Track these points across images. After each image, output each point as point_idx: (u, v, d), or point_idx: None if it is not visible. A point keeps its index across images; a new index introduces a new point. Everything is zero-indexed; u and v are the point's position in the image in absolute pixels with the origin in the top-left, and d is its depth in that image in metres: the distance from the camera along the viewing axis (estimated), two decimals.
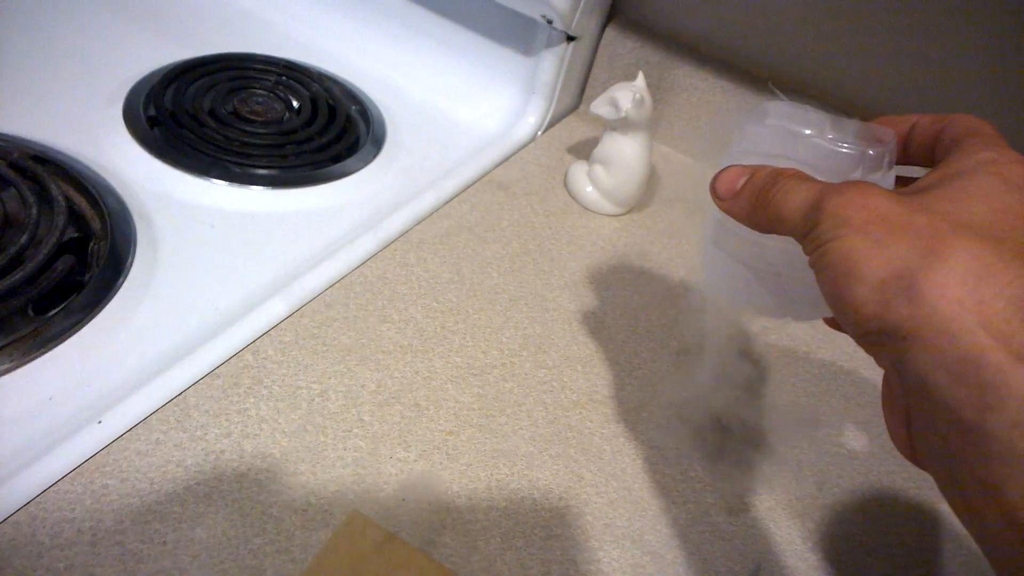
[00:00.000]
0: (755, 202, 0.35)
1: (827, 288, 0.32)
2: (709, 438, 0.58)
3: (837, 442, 0.61)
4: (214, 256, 0.62)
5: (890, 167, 0.37)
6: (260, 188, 0.70)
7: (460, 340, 0.61)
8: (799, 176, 0.34)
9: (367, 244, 0.66)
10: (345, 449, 0.51)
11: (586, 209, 0.80)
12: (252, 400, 0.52)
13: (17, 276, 0.53)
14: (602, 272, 0.72)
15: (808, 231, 0.32)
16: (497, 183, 0.79)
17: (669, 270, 0.75)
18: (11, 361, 0.50)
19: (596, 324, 0.66)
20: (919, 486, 0.59)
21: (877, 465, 0.60)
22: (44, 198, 0.60)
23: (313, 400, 0.53)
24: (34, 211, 0.59)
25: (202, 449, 0.48)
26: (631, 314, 0.68)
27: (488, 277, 0.67)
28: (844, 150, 0.36)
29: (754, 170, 0.36)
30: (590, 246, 0.75)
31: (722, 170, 0.37)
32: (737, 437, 0.59)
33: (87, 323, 0.54)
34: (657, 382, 0.62)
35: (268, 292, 0.59)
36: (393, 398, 0.55)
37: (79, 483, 0.45)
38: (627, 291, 0.71)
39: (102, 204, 0.63)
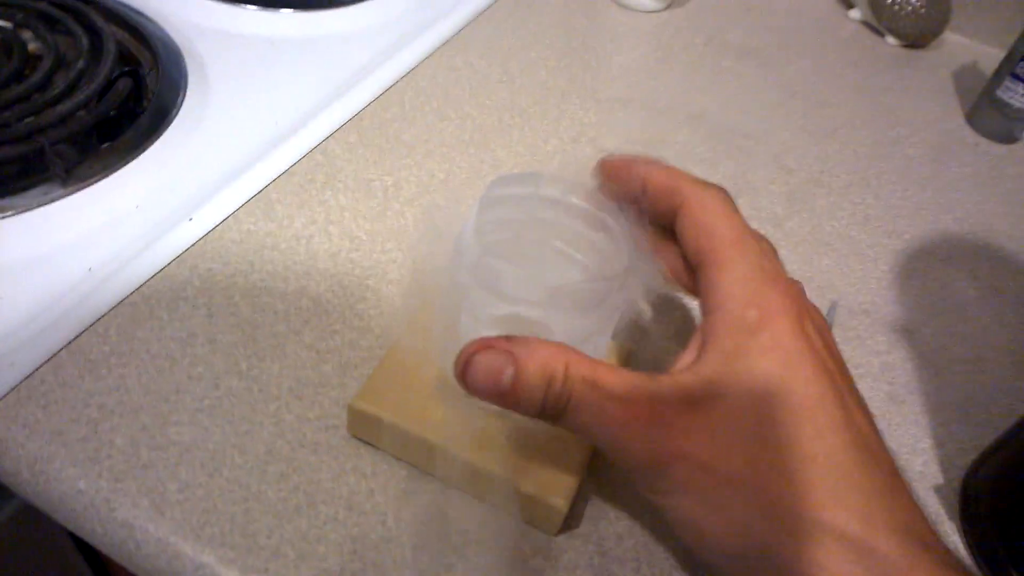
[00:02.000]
0: (541, 412, 0.31)
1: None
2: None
3: None
4: (264, 77, 0.63)
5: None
6: (290, 11, 0.70)
7: (519, 132, 0.62)
8: (592, 396, 0.30)
9: (414, 52, 0.67)
10: (426, 228, 0.52)
11: (626, 7, 0.78)
12: (330, 192, 0.54)
13: (80, 97, 0.54)
14: (648, 65, 0.72)
15: (628, 469, 0.32)
16: None
17: (712, 60, 0.74)
18: (92, 176, 0.52)
19: (650, 112, 0.66)
20: None
21: None
22: (93, 31, 0.60)
23: (387, 190, 0.55)
24: (84, 42, 0.59)
25: (292, 235, 0.50)
26: (682, 100, 0.68)
27: (536, 75, 0.68)
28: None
29: (518, 364, 0.30)
30: (634, 41, 0.74)
31: (469, 354, 0.31)
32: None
33: (157, 139, 0.56)
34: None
35: (325, 103, 0.60)
36: (464, 184, 0.56)
37: (184, 268, 0.47)
38: (675, 78, 0.70)
39: (147, 37, 0.63)
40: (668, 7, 0.80)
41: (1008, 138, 0.71)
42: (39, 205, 0.50)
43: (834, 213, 0.60)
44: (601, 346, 0.37)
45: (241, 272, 0.48)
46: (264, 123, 0.59)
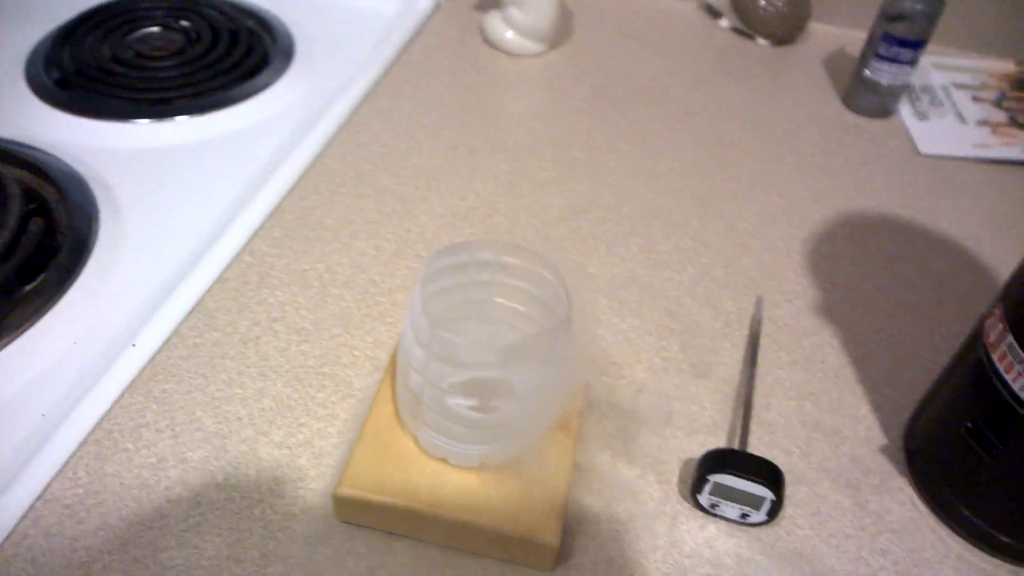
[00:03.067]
0: None
1: None
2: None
3: None
4: (174, 187, 0.66)
5: None
6: (185, 118, 0.73)
7: (437, 195, 0.66)
8: None
9: (318, 136, 0.70)
10: (368, 306, 0.56)
11: (512, 55, 0.84)
12: (267, 290, 0.57)
13: None
14: (544, 106, 0.78)
15: None
16: (422, 52, 0.83)
17: (602, 93, 0.80)
18: (23, 323, 0.53)
19: (558, 149, 0.72)
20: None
21: None
22: None
23: (322, 277, 0.58)
24: None
25: (239, 339, 0.53)
26: (584, 135, 0.74)
27: (441, 137, 0.72)
28: None
29: None
30: (525, 86, 0.80)
31: None
32: None
33: (81, 272, 0.58)
34: (627, 184, 0.68)
35: (241, 203, 0.63)
36: (395, 256, 0.60)
37: (139, 395, 0.49)
38: (571, 115, 0.77)
39: (47, 172, 0.65)
40: (552, 48, 0.86)
41: (884, 112, 0.79)
42: None
43: (743, 215, 0.66)
44: (558, 387, 0.41)
45: (197, 387, 0.50)
46: (185, 234, 0.62)
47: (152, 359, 0.52)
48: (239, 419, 0.49)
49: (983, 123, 0.78)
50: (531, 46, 0.84)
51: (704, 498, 0.44)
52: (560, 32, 0.86)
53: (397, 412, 0.45)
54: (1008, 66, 0.87)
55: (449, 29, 0.87)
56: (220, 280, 0.57)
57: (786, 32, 0.88)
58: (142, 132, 0.71)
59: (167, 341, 0.53)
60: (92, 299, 0.56)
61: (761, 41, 0.90)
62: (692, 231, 0.64)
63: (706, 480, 0.43)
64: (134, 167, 0.67)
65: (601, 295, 0.57)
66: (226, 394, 0.50)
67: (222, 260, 0.59)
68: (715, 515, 0.45)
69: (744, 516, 0.44)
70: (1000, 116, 0.79)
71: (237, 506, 0.44)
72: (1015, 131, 0.77)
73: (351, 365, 0.52)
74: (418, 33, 0.85)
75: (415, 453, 0.43)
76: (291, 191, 0.65)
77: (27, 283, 0.57)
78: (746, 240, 0.63)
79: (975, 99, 0.82)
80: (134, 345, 0.52)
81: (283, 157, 0.68)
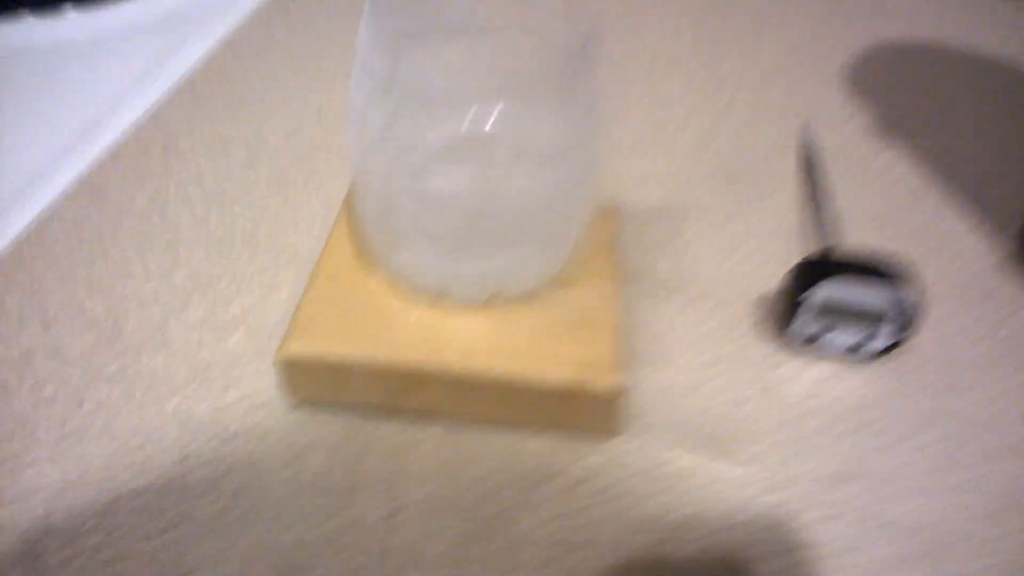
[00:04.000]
0: None
1: None
2: None
3: None
4: (62, 89, 0.51)
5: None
6: (72, 11, 0.58)
7: None
8: None
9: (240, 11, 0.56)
10: (313, 167, 0.42)
11: None
12: (175, 159, 0.42)
13: None
14: None
15: None
16: None
17: None
18: None
19: None
20: None
21: None
22: None
23: (249, 143, 0.44)
24: None
25: (139, 212, 0.39)
26: None
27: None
28: None
29: None
30: None
31: None
32: None
33: None
34: None
35: (136, 86, 0.49)
36: (342, 119, 0.47)
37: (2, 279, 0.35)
38: None
39: None
40: None
41: None
42: None
43: (762, 47, 0.54)
44: (586, 163, 0.27)
45: (78, 266, 0.36)
46: (68, 126, 0.47)
47: (18, 241, 0.37)
48: (138, 300, 0.34)
49: None
50: None
51: (802, 327, 0.31)
52: None
53: (362, 251, 0.31)
54: None
55: None
56: (112, 156, 0.43)
57: None
58: (25, 29, 0.56)
59: (38, 219, 0.38)
60: None
61: None
62: (705, 69, 0.52)
63: (805, 297, 0.30)
64: (18, 67, 0.52)
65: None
66: (120, 271, 0.35)
67: (113, 133, 0.44)
68: (817, 350, 0.32)
69: (857, 346, 0.31)
70: None
71: (137, 402, 0.30)
72: None
73: (294, 229, 0.38)
74: None
75: (392, 297, 0.29)
76: (204, 62, 0.51)
77: None
78: (769, 74, 0.51)
79: None
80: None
81: (200, 36, 0.54)
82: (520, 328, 0.28)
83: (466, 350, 0.27)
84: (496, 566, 0.25)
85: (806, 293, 0.30)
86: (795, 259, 0.35)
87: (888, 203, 0.41)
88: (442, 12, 0.27)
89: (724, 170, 0.43)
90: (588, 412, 0.28)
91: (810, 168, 0.42)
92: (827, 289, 0.30)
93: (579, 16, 0.25)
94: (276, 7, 0.58)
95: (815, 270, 0.31)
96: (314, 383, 0.29)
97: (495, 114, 0.24)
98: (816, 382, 0.31)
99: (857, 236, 0.38)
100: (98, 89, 0.49)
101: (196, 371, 0.31)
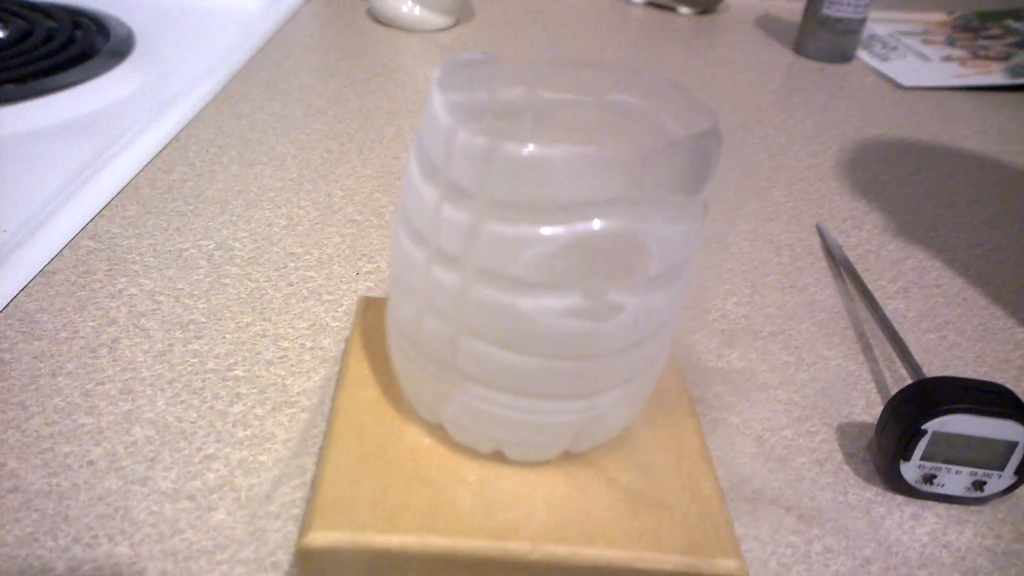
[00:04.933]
0: None
1: None
2: None
3: None
4: None
5: None
6: None
7: (359, 156, 0.47)
8: None
9: (182, 110, 0.50)
10: (291, 285, 0.36)
11: (415, 31, 0.68)
12: (123, 279, 0.35)
13: None
14: None
15: None
16: (295, 42, 0.65)
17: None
18: None
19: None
20: None
21: None
22: None
23: (212, 256, 0.37)
24: None
25: (82, 346, 0.31)
26: None
27: (349, 103, 0.54)
28: None
29: None
30: (434, 59, 0.64)
31: None
32: None
33: None
34: None
35: (73, 187, 0.42)
36: (320, 223, 0.41)
37: None
38: None
39: None
40: (457, 23, 0.71)
41: (843, 56, 0.69)
42: None
43: (743, 161, 0.52)
44: (691, 255, 0.22)
45: (7, 422, 0.28)
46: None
47: None
48: (90, 463, 0.26)
49: (947, 59, 0.70)
50: (437, 19, 0.69)
51: (912, 468, 0.26)
52: (463, 7, 0.71)
53: (385, 394, 0.25)
54: (940, 16, 0.81)
55: (329, 13, 0.70)
56: (44, 273, 0.35)
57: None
58: None
59: None
60: None
61: (684, 10, 0.79)
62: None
63: (920, 433, 0.25)
64: None
65: None
66: (63, 428, 0.28)
67: (45, 250, 0.37)
68: (927, 494, 0.27)
69: (977, 485, 0.26)
70: (961, 53, 0.71)
71: None
72: (984, 62, 0.69)
73: (280, 362, 0.31)
74: (289, 23, 0.68)
75: (438, 455, 0.23)
76: (149, 164, 0.44)
77: None
78: (762, 178, 0.49)
79: (926, 42, 0.73)
80: None
81: (135, 133, 0.47)
82: (605, 493, 0.22)
83: (542, 531, 0.21)
84: None
85: (924, 426, 0.25)
86: (866, 380, 0.31)
87: (929, 306, 0.37)
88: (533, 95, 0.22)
89: (747, 280, 0.39)
90: None
91: (847, 269, 0.38)
92: (950, 422, 0.25)
93: (700, 107, 0.21)
94: (225, 99, 0.52)
95: (925, 401, 0.26)
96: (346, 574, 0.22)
97: (605, 223, 0.19)
98: (933, 534, 0.26)
99: (912, 338, 0.34)
100: (22, 193, 0.41)
101: (173, 564, 0.23)
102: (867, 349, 0.34)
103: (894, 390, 0.29)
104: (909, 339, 0.35)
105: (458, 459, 0.23)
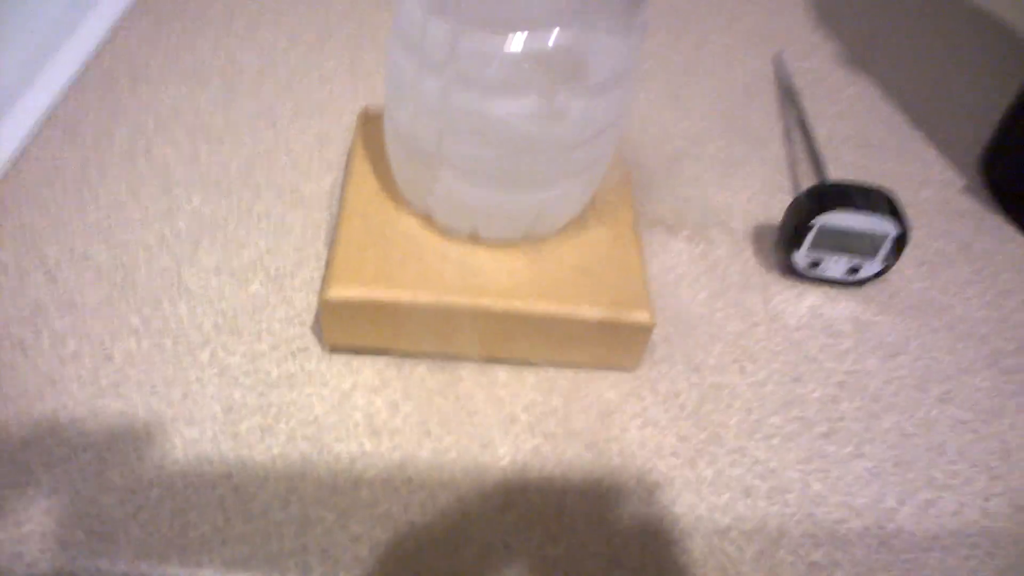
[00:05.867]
0: None
1: None
2: None
3: None
4: None
5: None
6: None
7: None
8: None
9: None
10: (298, 100, 0.41)
11: None
12: (146, 89, 0.40)
13: None
14: None
15: None
16: None
17: None
18: None
19: None
20: None
21: None
22: None
23: (224, 70, 0.42)
24: None
25: (121, 152, 0.37)
26: None
27: None
28: None
29: None
30: None
31: None
32: None
33: None
34: None
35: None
36: (320, 44, 0.45)
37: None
38: None
39: None
40: None
41: None
42: None
43: None
44: (625, 96, 0.28)
45: (71, 214, 0.34)
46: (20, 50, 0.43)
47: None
48: (146, 246, 0.33)
49: None
50: None
51: (802, 256, 0.33)
52: None
53: (385, 189, 0.31)
54: None
55: None
56: (76, 86, 0.40)
57: None
58: None
59: (14, 165, 0.36)
60: None
61: None
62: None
63: (808, 228, 0.32)
64: None
65: None
66: (118, 219, 0.34)
67: (72, 62, 0.41)
68: (813, 278, 0.34)
69: (853, 271, 0.34)
70: None
71: (170, 352, 0.30)
72: None
73: (293, 167, 0.37)
74: None
75: (426, 235, 0.30)
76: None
77: None
78: (731, 4, 0.52)
79: None
80: None
81: None
82: (554, 266, 0.29)
83: (504, 291, 0.28)
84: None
85: (812, 222, 0.32)
86: (786, 191, 0.37)
87: (860, 129, 0.43)
88: None
89: (709, 107, 0.44)
90: (619, 346, 0.29)
91: (792, 100, 0.44)
92: (830, 218, 0.32)
93: None
94: None
95: (816, 201, 0.33)
96: (356, 327, 0.29)
97: (557, 38, 0.24)
98: (814, 306, 0.34)
99: (836, 166, 0.40)
100: (43, 11, 0.45)
101: (223, 318, 0.31)
102: (793, 164, 0.41)
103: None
104: (830, 155, 0.41)
105: (442, 240, 0.30)
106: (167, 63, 0.42)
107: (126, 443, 0.27)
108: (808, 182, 0.39)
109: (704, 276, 0.35)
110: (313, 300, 0.32)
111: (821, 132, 0.42)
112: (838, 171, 0.39)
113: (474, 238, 0.30)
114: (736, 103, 0.44)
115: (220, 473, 0.26)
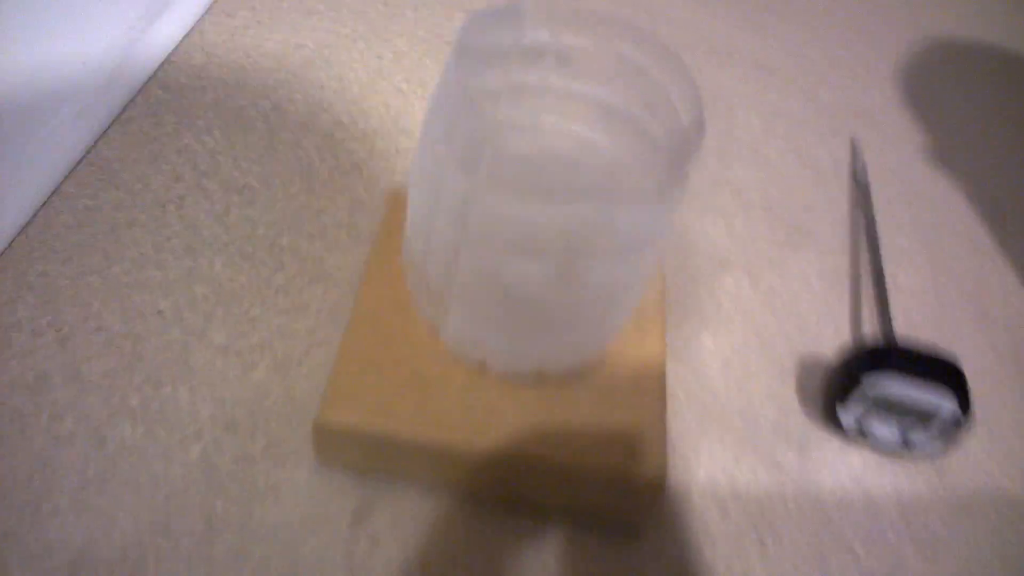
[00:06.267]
0: None
1: None
2: None
3: None
4: (45, 25, 0.46)
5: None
6: None
7: (413, 12, 0.49)
8: None
9: None
10: (337, 157, 0.40)
11: None
12: (188, 134, 0.40)
13: None
14: None
15: None
16: None
17: None
18: None
19: None
20: None
21: None
22: None
23: (268, 116, 0.41)
24: None
25: (153, 200, 0.36)
26: None
27: None
28: None
29: None
30: None
31: None
32: None
33: None
34: None
35: (141, 25, 0.45)
36: (367, 90, 0.43)
37: (6, 283, 0.33)
38: None
39: None
40: None
41: None
42: None
43: (813, 32, 0.51)
44: (657, 247, 0.26)
45: (93, 268, 0.34)
46: (70, 70, 0.43)
47: (24, 229, 0.35)
48: (159, 313, 0.32)
49: None
50: None
51: (848, 413, 0.30)
52: None
53: (400, 293, 0.30)
54: None
55: None
56: (121, 120, 0.40)
57: None
58: None
59: (46, 203, 0.36)
60: None
61: None
62: (751, 56, 0.49)
63: (856, 384, 0.29)
64: None
65: None
66: (138, 278, 0.34)
67: (121, 94, 0.41)
68: (858, 437, 0.31)
69: (906, 441, 0.31)
70: None
71: (162, 445, 0.29)
72: None
73: (319, 236, 0.36)
74: None
75: (435, 355, 0.28)
76: (212, 7, 0.47)
77: None
78: (823, 69, 0.48)
79: None
80: None
81: None
82: (567, 406, 0.27)
83: (510, 432, 0.27)
84: None
85: (865, 380, 0.29)
86: (843, 320, 0.34)
87: (936, 246, 0.39)
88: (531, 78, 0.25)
89: (767, 200, 0.41)
90: (627, 502, 0.27)
91: (865, 202, 0.40)
92: (881, 380, 0.29)
93: (686, 98, 0.23)
94: None
95: (874, 360, 0.30)
96: (348, 451, 0.28)
97: (586, 209, 0.22)
98: (854, 472, 0.31)
99: (906, 279, 0.36)
100: (94, 36, 0.45)
101: (221, 409, 0.30)
102: (855, 285, 0.37)
103: (868, 331, 0.33)
104: (899, 279, 0.37)
105: (450, 363, 0.28)
106: (214, 104, 0.41)
107: (100, 550, 0.26)
108: (869, 314, 0.35)
109: (737, 414, 0.32)
110: (316, 393, 0.31)
111: (887, 247, 0.38)
112: (906, 299, 0.36)
113: (483, 366, 0.28)
114: (800, 194, 0.41)
115: None
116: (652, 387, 0.28)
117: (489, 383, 0.28)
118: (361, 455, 0.28)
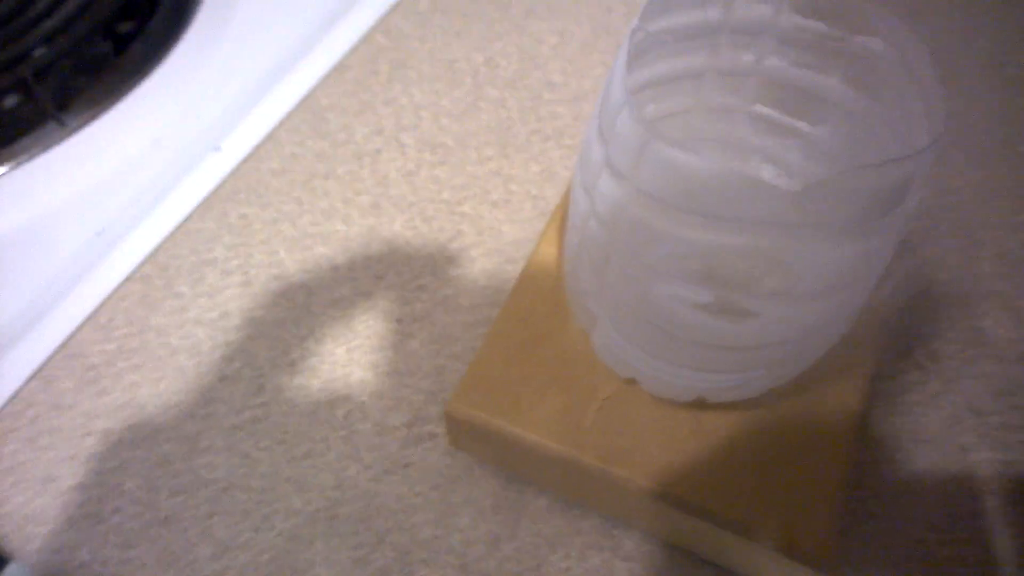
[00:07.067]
0: None
1: None
2: None
3: None
4: None
5: None
6: None
7: None
8: None
9: None
10: (539, 120, 0.37)
11: None
12: (399, 86, 0.39)
13: (70, 6, 0.42)
14: None
15: None
16: None
17: None
18: (96, 106, 0.40)
19: None
20: None
21: None
22: None
23: (478, 71, 0.40)
24: None
25: (353, 152, 0.37)
26: None
27: None
28: None
29: None
30: None
31: None
32: None
33: (176, 47, 0.43)
34: None
35: None
36: (587, 48, 0.40)
37: (210, 219, 0.35)
38: None
39: None
40: None
41: None
42: (31, 157, 0.39)
43: None
44: (863, 288, 0.21)
45: (286, 215, 0.35)
46: (307, 9, 0.45)
47: (236, 170, 0.37)
48: (334, 268, 0.33)
49: None
50: None
51: None
52: None
53: (561, 285, 0.27)
54: None
55: None
56: (339, 67, 0.41)
57: None
58: None
59: (259, 146, 0.38)
60: (178, 86, 0.41)
61: None
62: None
63: None
64: None
65: None
66: (323, 230, 0.34)
67: (345, 40, 0.42)
68: None
69: None
70: None
71: (313, 401, 0.29)
72: None
73: (503, 204, 0.35)
74: None
75: (585, 361, 0.25)
76: None
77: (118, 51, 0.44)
78: None
79: None
80: (218, 149, 0.38)
81: None
82: (722, 445, 0.24)
83: (653, 465, 0.23)
84: None
85: None
86: None
87: None
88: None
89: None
90: (786, 567, 0.23)
91: None
92: None
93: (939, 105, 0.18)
94: None
95: None
96: (477, 444, 0.26)
97: (747, 239, 0.18)
98: None
99: None
100: None
101: (372, 374, 0.30)
102: None
103: None
104: None
105: (598, 373, 0.25)
106: (430, 55, 0.41)
107: (237, 494, 0.27)
108: None
109: (948, 485, 0.26)
110: (462, 376, 0.29)
111: None
112: None
113: (634, 382, 0.25)
114: None
115: (305, 559, 0.26)
116: (835, 441, 0.23)
117: (640, 400, 0.25)
118: (491, 450, 0.26)
